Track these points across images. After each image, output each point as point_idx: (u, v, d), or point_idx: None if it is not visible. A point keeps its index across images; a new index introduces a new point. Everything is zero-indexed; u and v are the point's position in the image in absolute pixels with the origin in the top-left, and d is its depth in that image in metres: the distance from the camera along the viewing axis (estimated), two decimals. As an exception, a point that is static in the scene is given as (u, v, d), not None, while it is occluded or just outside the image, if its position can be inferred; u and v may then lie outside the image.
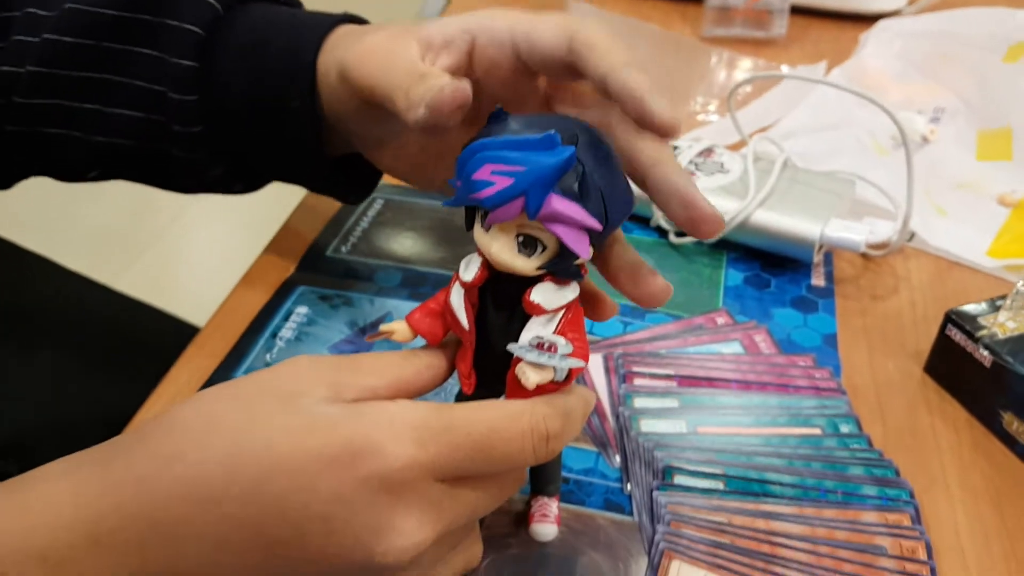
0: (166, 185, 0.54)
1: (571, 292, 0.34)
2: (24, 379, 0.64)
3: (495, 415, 0.32)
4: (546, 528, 0.40)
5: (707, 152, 0.63)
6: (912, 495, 0.43)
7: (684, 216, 0.35)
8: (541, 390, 0.33)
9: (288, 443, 0.30)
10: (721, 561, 0.40)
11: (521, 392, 0.33)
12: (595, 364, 0.50)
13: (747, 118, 0.75)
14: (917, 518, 0.43)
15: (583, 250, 0.31)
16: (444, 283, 0.55)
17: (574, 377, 0.34)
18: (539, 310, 0.33)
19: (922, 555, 0.41)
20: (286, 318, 0.52)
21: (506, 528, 0.41)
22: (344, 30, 0.45)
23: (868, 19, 0.87)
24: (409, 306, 0.53)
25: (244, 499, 0.29)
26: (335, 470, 0.29)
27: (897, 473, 0.45)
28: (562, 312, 0.33)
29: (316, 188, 0.52)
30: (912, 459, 0.46)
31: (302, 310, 0.52)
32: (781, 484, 0.44)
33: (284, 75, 0.45)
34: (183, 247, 1.91)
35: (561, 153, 0.29)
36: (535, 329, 0.33)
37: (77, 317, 0.73)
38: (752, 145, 0.63)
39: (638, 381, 0.49)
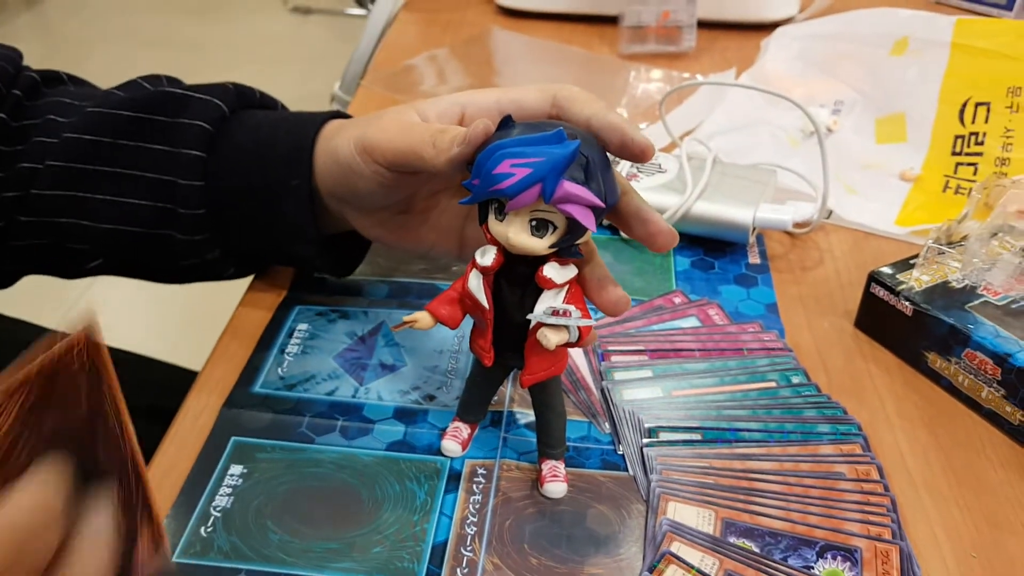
0: (163, 272, 0.58)
1: (572, 270, 0.41)
2: None
3: None
4: (558, 486, 0.46)
5: (644, 155, 0.70)
6: (860, 428, 0.51)
7: (643, 231, 0.43)
8: (559, 351, 0.40)
9: None
10: (709, 498, 0.46)
11: (542, 354, 0.40)
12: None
13: (673, 123, 0.82)
14: (867, 446, 0.50)
15: (591, 224, 0.37)
16: (427, 291, 0.61)
17: (584, 336, 0.40)
18: (550, 284, 0.39)
19: (875, 476, 0.48)
20: (290, 335, 0.56)
21: (522, 492, 0.47)
22: (337, 123, 0.52)
23: (767, 27, 0.96)
24: (400, 313, 0.58)
25: None
26: None
27: (845, 412, 0.52)
28: (567, 287, 0.40)
29: (307, 262, 0.57)
30: (855, 400, 0.53)
31: (303, 326, 0.57)
32: (749, 430, 0.50)
33: (285, 159, 0.51)
34: (116, 285, 1.90)
35: (569, 146, 0.36)
36: (547, 301, 0.40)
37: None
38: (684, 147, 0.70)
39: (615, 358, 0.55)
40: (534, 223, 0.38)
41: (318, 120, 0.52)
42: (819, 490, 0.47)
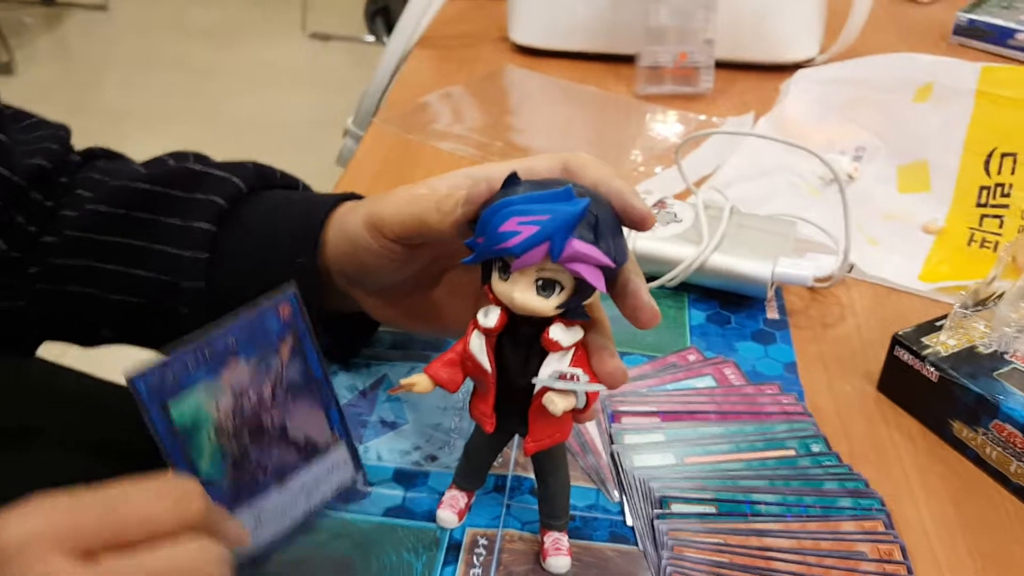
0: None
1: (579, 332, 0.39)
2: (23, 474, 0.65)
3: (128, 486, 0.33)
4: (561, 560, 0.44)
5: (660, 204, 0.68)
6: (883, 503, 0.48)
7: (629, 303, 0.40)
8: (565, 418, 0.38)
9: None
10: (723, 578, 0.44)
11: (547, 420, 0.38)
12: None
13: (688, 168, 0.80)
14: (890, 524, 0.47)
15: (601, 284, 0.36)
16: (432, 343, 0.58)
17: (592, 402, 0.39)
18: (557, 346, 0.38)
19: (898, 557, 0.45)
20: (287, 389, 0.54)
21: (525, 566, 0.44)
22: (350, 204, 0.51)
23: (786, 68, 0.94)
24: (404, 367, 0.56)
25: None
26: None
27: (867, 484, 0.49)
28: (573, 349, 0.38)
29: None
30: (877, 470, 0.51)
31: (301, 380, 0.55)
32: (766, 503, 0.48)
33: (293, 237, 0.51)
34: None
35: (579, 203, 0.34)
36: (553, 364, 0.38)
37: (60, 404, 0.74)
38: (700, 195, 0.68)
39: (626, 420, 0.53)
40: (540, 283, 0.37)
41: (332, 200, 0.52)
42: (839, 571, 0.44)
